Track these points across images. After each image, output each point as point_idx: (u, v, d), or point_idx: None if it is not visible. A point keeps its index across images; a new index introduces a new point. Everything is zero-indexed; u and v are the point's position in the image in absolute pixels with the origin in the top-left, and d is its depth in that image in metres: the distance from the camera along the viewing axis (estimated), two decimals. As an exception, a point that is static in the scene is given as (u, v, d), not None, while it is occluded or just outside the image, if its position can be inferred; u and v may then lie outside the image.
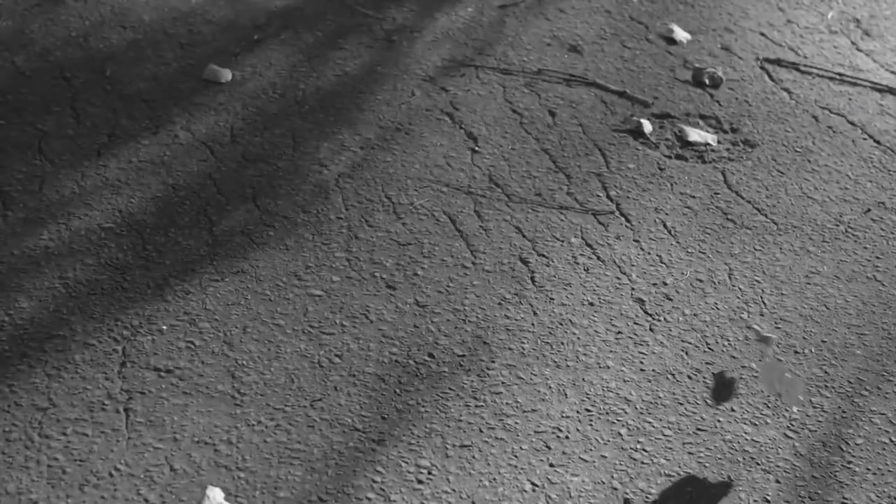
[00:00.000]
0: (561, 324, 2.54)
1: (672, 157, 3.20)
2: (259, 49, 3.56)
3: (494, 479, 2.14)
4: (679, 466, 2.19)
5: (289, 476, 2.11)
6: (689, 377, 2.42)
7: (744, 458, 2.23)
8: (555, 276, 2.69)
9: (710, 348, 2.50)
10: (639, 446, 2.24)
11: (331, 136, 3.15)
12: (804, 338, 2.56)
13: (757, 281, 2.73)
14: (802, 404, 2.36)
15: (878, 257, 2.85)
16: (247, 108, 3.26)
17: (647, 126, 3.31)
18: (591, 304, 2.61)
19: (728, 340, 2.53)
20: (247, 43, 3.59)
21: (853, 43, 3.92)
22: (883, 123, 3.43)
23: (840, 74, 3.69)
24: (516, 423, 2.27)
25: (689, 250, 2.82)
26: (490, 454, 2.19)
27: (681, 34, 3.84)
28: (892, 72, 3.74)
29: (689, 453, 2.23)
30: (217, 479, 2.08)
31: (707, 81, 3.58)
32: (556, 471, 2.16)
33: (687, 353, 2.49)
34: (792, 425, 2.32)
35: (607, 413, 2.31)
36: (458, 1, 3.97)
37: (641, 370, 2.43)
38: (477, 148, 3.16)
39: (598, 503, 2.10)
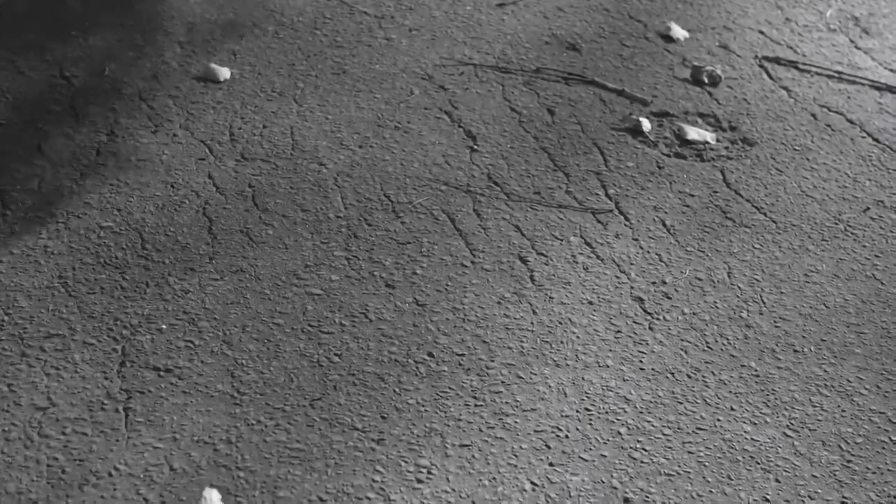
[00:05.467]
0: (560, 322, 2.54)
1: (671, 155, 3.20)
2: (258, 48, 3.56)
3: (494, 478, 2.14)
4: (679, 465, 2.19)
5: (288, 475, 2.11)
6: (689, 376, 2.42)
7: (743, 458, 2.23)
8: (554, 275, 2.69)
9: (709, 347, 2.50)
10: (638, 445, 2.24)
11: (329, 135, 3.15)
12: (803, 336, 2.56)
13: (756, 279, 2.73)
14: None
15: (877, 256, 2.85)
16: (246, 106, 3.26)
17: (646, 124, 3.31)
18: (591, 302, 2.61)
19: (727, 339, 2.53)
20: (246, 42, 3.59)
21: (852, 41, 3.92)
22: (882, 121, 3.43)
23: (839, 72, 3.69)
24: (516, 422, 2.27)
25: (689, 249, 2.82)
26: (490, 453, 2.19)
27: (679, 32, 3.84)
28: (891, 70, 3.74)
29: (689, 452, 2.23)
30: (217, 479, 2.08)
31: (706, 80, 3.58)
32: (555, 470, 2.16)
33: (686, 352, 2.49)
34: (791, 424, 2.32)
35: (607, 412, 2.31)
36: (457, -1, 3.97)
37: (641, 369, 2.43)
38: (476, 146, 3.16)
39: (598, 502, 2.10)
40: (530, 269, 2.70)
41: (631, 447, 2.23)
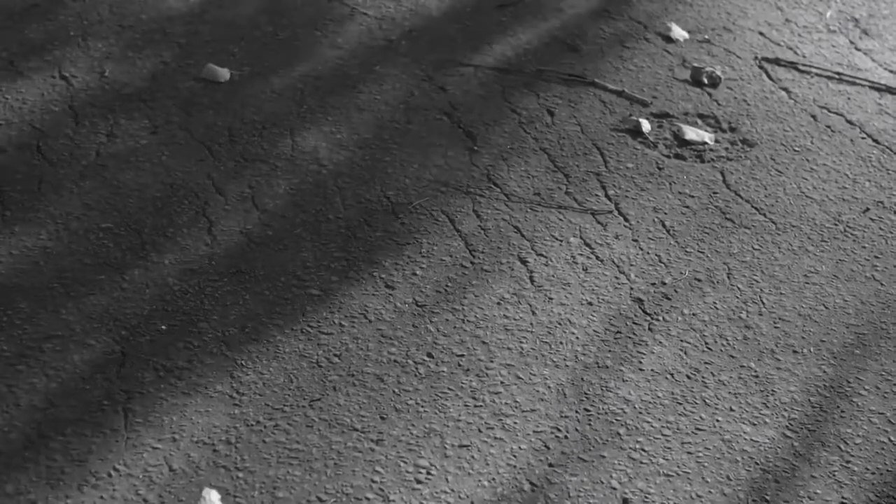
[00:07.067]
0: (560, 323, 2.54)
1: (671, 156, 3.20)
2: (257, 49, 3.56)
3: (493, 478, 2.14)
4: (678, 466, 2.19)
5: (287, 476, 2.11)
6: (688, 377, 2.42)
7: (743, 458, 2.23)
8: (553, 276, 2.69)
9: (708, 348, 2.50)
10: (637, 446, 2.24)
11: (329, 136, 3.15)
12: (803, 337, 2.56)
13: (756, 280, 2.73)
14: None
15: (876, 257, 2.85)
16: (245, 107, 3.26)
17: (646, 125, 3.31)
18: (590, 303, 2.61)
19: (727, 340, 2.53)
20: (245, 43, 3.59)
21: (852, 42, 3.92)
22: (881, 122, 3.43)
23: (839, 73, 3.69)
24: (515, 422, 2.27)
25: (688, 250, 2.82)
26: (489, 454, 2.19)
27: (679, 33, 3.85)
28: (891, 71, 3.75)
29: (688, 453, 2.23)
30: (216, 479, 2.08)
31: (705, 81, 3.58)
32: (554, 471, 2.16)
33: (685, 353, 2.49)
34: (791, 425, 2.32)
35: (606, 413, 2.31)
36: (457, 0, 3.97)
37: (640, 370, 2.43)
38: (475, 147, 3.16)
39: (597, 503, 2.10)
40: (530, 269, 2.70)
41: (630, 448, 2.23)
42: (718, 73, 3.59)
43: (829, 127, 3.39)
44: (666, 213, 2.95)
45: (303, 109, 3.27)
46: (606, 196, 3.00)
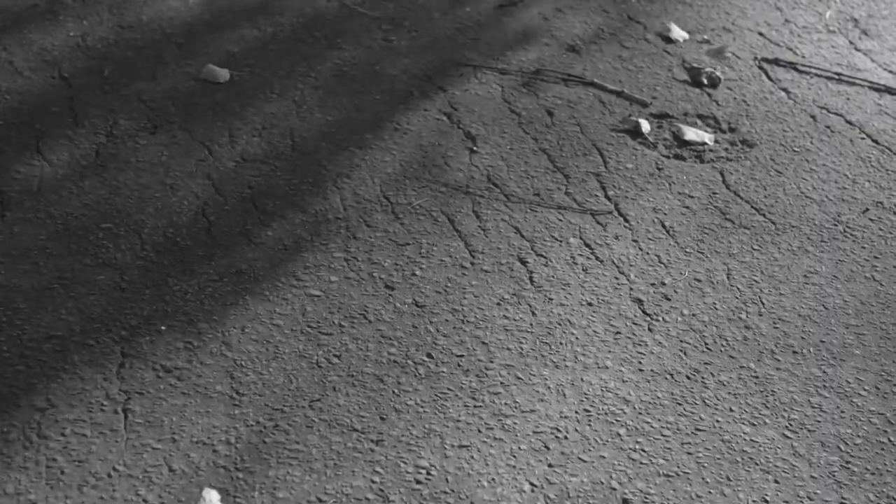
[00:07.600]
0: (559, 324, 2.54)
1: (670, 156, 3.20)
2: (257, 49, 3.56)
3: (493, 479, 2.14)
4: (678, 466, 2.19)
5: (287, 476, 2.11)
6: (688, 377, 2.42)
7: (742, 458, 2.23)
8: (553, 277, 2.69)
9: (708, 348, 2.50)
10: (637, 446, 2.24)
11: (329, 136, 3.15)
12: (802, 338, 2.56)
13: (755, 281, 2.73)
14: None
15: (876, 257, 2.85)
16: (245, 107, 3.26)
17: (646, 126, 3.31)
18: (590, 304, 2.61)
19: (726, 340, 2.53)
20: (245, 43, 3.59)
21: (851, 42, 3.92)
22: (881, 123, 3.43)
23: (838, 74, 3.69)
24: (515, 423, 2.27)
25: (688, 250, 2.82)
26: (489, 454, 2.19)
27: (679, 33, 3.85)
28: (890, 71, 3.75)
29: (688, 453, 2.23)
30: (215, 480, 2.08)
31: (705, 81, 3.58)
32: (554, 471, 2.16)
33: (685, 353, 2.49)
34: (791, 425, 2.32)
35: (606, 413, 2.31)
36: (457, 0, 3.97)
37: (640, 370, 2.43)
38: (475, 148, 3.16)
39: (597, 503, 2.10)
40: (530, 270, 2.70)
41: (630, 448, 2.23)
42: (718, 73, 3.59)
43: (828, 127, 3.39)
44: (665, 214, 2.95)
45: (302, 110, 3.27)
46: (606, 196, 3.00)
